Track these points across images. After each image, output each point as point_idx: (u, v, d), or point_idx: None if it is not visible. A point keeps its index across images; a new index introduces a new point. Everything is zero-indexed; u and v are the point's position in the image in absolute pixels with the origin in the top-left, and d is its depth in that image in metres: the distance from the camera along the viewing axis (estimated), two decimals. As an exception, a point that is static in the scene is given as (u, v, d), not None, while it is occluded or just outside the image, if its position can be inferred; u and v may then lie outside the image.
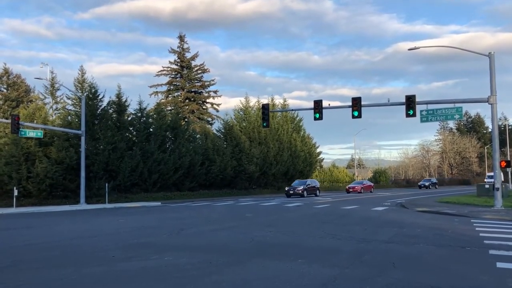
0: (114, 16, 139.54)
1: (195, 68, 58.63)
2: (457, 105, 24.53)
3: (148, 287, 6.72)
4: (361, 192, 46.79)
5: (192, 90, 58.39)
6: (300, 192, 38.17)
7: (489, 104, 22.84)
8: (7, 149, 31.56)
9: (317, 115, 27.07)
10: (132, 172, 34.31)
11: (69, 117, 35.46)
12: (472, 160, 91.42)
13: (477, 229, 13.80)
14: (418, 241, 11.26)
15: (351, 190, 47.67)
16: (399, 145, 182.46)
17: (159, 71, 58.35)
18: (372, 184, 53.23)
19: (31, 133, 29.44)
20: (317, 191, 41.58)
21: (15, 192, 27.68)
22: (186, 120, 46.94)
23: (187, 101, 57.53)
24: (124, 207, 28.13)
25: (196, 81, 58.60)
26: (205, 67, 59.28)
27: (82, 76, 35.87)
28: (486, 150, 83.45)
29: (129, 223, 17.19)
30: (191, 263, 8.45)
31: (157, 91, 58.13)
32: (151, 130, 38.07)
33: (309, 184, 40.49)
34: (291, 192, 38.38)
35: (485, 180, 64.50)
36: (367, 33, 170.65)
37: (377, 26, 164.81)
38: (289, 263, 8.36)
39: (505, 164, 25.73)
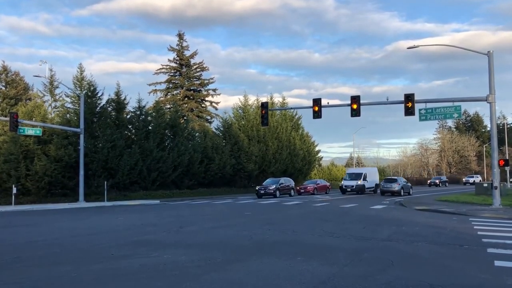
0: (112, 13, 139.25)
1: (194, 66, 58.58)
2: (456, 103, 24.55)
3: (147, 285, 6.74)
4: (314, 194, 39.22)
5: (191, 88, 58.33)
6: (272, 191, 34.67)
7: (487, 102, 22.88)
8: (5, 147, 31.49)
9: (316, 114, 27.08)
10: (131, 170, 34.28)
11: (68, 115, 35.40)
12: (471, 158, 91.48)
13: (475, 227, 13.85)
14: (417, 239, 11.30)
15: (303, 190, 39.60)
16: (398, 144, 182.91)
17: (158, 69, 58.27)
18: (328, 184, 44.95)
19: (30, 131, 29.39)
20: (292, 190, 37.53)
21: (14, 190, 27.65)
22: (185, 118, 46.88)
23: (186, 99, 57.45)
24: (123, 205, 28.12)
25: (195, 79, 58.53)
26: (204, 65, 59.24)
27: (81, 74, 35.80)
28: (484, 149, 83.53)
29: (128, 221, 17.20)
30: (190, 261, 8.47)
31: (156, 89, 58.07)
32: (150, 128, 38.03)
33: (282, 183, 36.57)
34: (262, 191, 34.74)
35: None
36: (368, 31, 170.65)
37: (378, 24, 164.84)
38: (288, 261, 8.38)
39: (503, 162, 25.74)
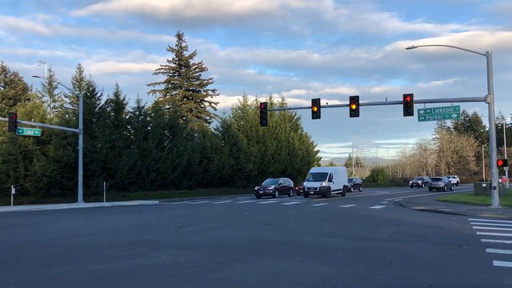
0: (111, 13, 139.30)
1: (193, 67, 58.58)
2: (455, 104, 24.58)
3: (146, 285, 6.74)
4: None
5: (190, 88, 58.34)
6: (271, 192, 34.65)
7: (486, 103, 22.90)
8: (4, 147, 31.46)
9: (315, 114, 27.09)
10: (130, 171, 34.26)
11: (67, 115, 35.38)
12: (470, 159, 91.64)
13: (474, 227, 13.87)
14: (415, 239, 11.31)
15: (302, 191, 38.02)
16: (397, 144, 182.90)
17: (157, 70, 58.31)
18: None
19: (29, 131, 29.36)
20: (291, 191, 37.49)
21: (13, 191, 27.62)
22: (184, 118, 46.89)
23: (185, 99, 57.46)
24: (122, 206, 28.12)
25: (194, 80, 58.54)
26: (203, 66, 59.26)
27: (80, 74, 35.78)
28: (483, 149, 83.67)
29: (127, 221, 17.20)
30: (189, 261, 8.47)
31: (155, 90, 58.10)
32: (149, 128, 38.03)
33: (281, 184, 36.36)
34: (261, 192, 34.58)
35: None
36: (367, 31, 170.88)
37: (377, 24, 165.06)
38: (287, 261, 8.39)
39: (501, 163, 25.79)
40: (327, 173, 34.59)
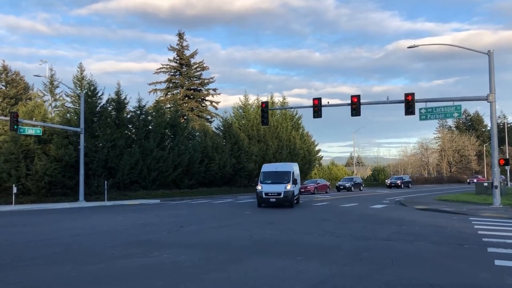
0: (111, 12, 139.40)
1: (194, 66, 58.59)
2: (456, 103, 24.53)
3: (146, 285, 6.74)
4: (314, 193, 40.13)
5: (191, 87, 58.35)
6: None
7: (488, 102, 22.86)
8: (6, 147, 31.46)
9: (316, 113, 27.06)
10: (131, 170, 34.26)
11: (68, 115, 35.36)
12: (471, 158, 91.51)
13: (475, 227, 13.85)
14: (417, 238, 11.30)
15: (303, 190, 38.33)
16: (398, 143, 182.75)
17: (158, 69, 58.32)
18: (328, 183, 46.79)
19: (30, 131, 29.36)
20: None
21: (14, 190, 27.64)
22: (185, 117, 46.85)
23: (186, 98, 57.47)
24: (123, 205, 28.14)
25: (195, 79, 58.54)
26: (204, 65, 59.25)
27: (81, 73, 35.77)
28: (485, 148, 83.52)
29: (128, 220, 17.20)
30: (190, 260, 8.47)
31: (156, 89, 58.11)
32: (150, 127, 38.00)
33: None
34: None
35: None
36: (368, 31, 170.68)
37: (378, 24, 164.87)
38: (288, 261, 8.38)
39: (503, 162, 25.74)
40: (290, 172, 24.38)
